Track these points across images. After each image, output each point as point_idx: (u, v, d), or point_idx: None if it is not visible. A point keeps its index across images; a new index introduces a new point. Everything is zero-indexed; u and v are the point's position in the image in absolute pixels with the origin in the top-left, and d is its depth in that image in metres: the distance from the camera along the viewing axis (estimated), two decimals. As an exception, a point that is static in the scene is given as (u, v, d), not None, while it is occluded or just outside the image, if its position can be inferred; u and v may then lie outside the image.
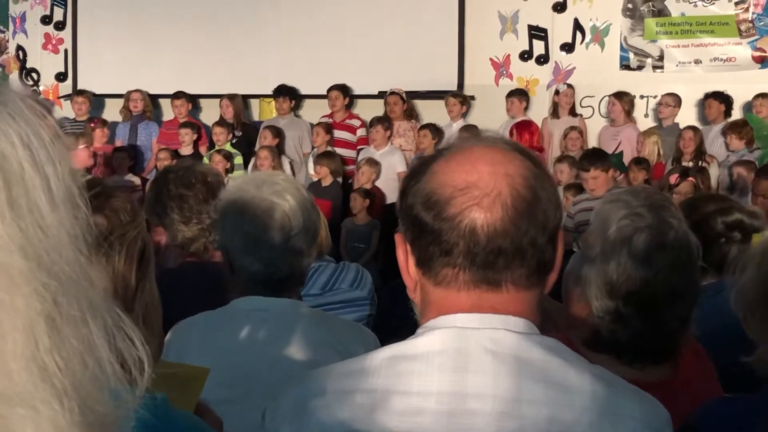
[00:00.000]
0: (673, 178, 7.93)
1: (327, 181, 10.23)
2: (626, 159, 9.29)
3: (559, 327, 2.57)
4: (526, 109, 10.88)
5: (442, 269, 1.47)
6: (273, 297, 2.62)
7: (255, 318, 2.60)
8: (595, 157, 7.95)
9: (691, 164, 9.25)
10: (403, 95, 11.03)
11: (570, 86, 10.79)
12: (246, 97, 11.95)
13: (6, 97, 0.85)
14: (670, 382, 2.20)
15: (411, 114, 11.20)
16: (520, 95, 10.88)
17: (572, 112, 10.73)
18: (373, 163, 10.28)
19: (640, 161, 9.23)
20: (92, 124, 11.17)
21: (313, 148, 10.94)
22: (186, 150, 11.07)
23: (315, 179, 10.36)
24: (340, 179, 10.45)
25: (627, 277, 2.16)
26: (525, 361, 1.44)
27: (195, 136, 11.19)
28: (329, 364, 2.51)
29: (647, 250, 2.16)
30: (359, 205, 9.60)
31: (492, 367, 1.43)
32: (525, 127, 10.38)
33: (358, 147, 10.96)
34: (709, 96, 10.14)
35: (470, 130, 9.53)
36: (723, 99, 10.04)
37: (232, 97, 11.44)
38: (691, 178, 7.90)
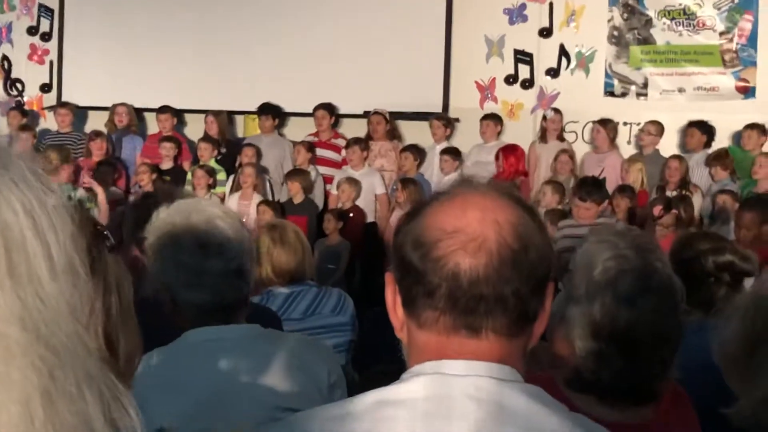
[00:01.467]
0: (657, 210, 7.96)
1: (299, 198, 10.23)
2: (610, 186, 9.30)
3: (543, 364, 2.58)
4: (499, 133, 10.89)
5: (424, 311, 1.48)
6: (223, 324, 2.57)
7: (211, 348, 2.53)
8: (595, 189, 7.96)
9: (675, 193, 9.29)
10: (387, 115, 11.05)
11: (557, 111, 10.84)
12: (231, 113, 11.94)
13: (8, 162, 0.84)
14: (650, 424, 2.21)
15: (393, 134, 11.22)
16: (495, 120, 10.90)
17: (560, 137, 10.77)
18: (354, 182, 10.28)
19: (623, 189, 9.25)
20: (91, 139, 11.18)
21: (294, 167, 10.93)
22: (167, 164, 11.05)
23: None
24: (314, 197, 10.45)
25: (611, 318, 2.17)
26: (508, 409, 1.45)
27: (176, 151, 11.17)
28: (293, 383, 2.51)
29: (632, 292, 2.17)
30: (332, 226, 9.60)
31: (475, 414, 1.43)
32: (511, 151, 10.39)
33: (343, 166, 10.96)
34: (691, 125, 10.21)
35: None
36: (705, 128, 10.11)
37: (217, 114, 11.44)
38: (674, 211, 7.93)
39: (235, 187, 10.58)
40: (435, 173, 10.66)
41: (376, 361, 5.06)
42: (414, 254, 1.47)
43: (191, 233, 2.52)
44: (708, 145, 10.14)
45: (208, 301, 2.54)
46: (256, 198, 10.14)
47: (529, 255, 1.46)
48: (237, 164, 11.00)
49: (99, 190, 9.55)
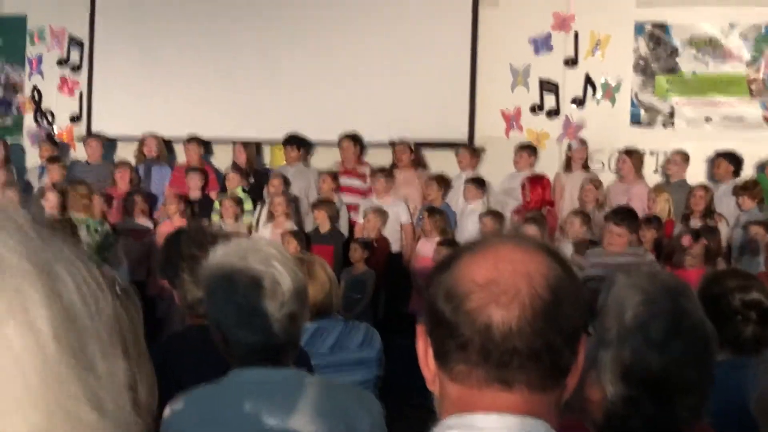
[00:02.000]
0: (686, 240, 7.92)
1: (325, 228, 10.26)
2: (636, 215, 9.27)
3: (573, 408, 2.58)
4: (532, 164, 10.90)
5: (457, 364, 1.47)
6: (272, 367, 2.60)
7: (257, 391, 2.56)
8: (629, 217, 7.96)
9: (699, 223, 9.25)
10: (411, 145, 11.07)
11: (583, 142, 10.83)
12: (258, 143, 12.00)
13: (47, 237, 0.86)
14: (682, 470, 2.19)
15: (418, 163, 11.24)
16: (530, 150, 10.91)
17: (585, 167, 10.75)
18: (380, 212, 10.29)
19: (650, 220, 9.21)
20: (117, 171, 11.27)
21: (319, 196, 10.96)
22: (195, 194, 11.11)
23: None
24: (338, 225, 10.47)
25: (642, 363, 2.16)
26: None
27: (203, 181, 11.23)
28: None
29: (663, 336, 2.17)
30: (358, 255, 9.62)
31: None
32: (537, 181, 10.38)
33: (369, 196, 10.97)
34: (719, 155, 10.18)
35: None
36: (733, 158, 10.08)
37: (245, 144, 11.50)
38: (704, 241, 7.90)
39: (268, 217, 10.61)
40: (461, 202, 10.67)
41: (403, 396, 5.07)
42: (446, 307, 1.47)
43: (247, 274, 2.56)
44: (736, 174, 10.10)
45: (259, 342, 2.57)
46: (289, 227, 10.17)
47: (562, 307, 1.46)
48: (264, 194, 11.04)
49: None
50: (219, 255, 2.65)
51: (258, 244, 2.73)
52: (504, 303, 1.44)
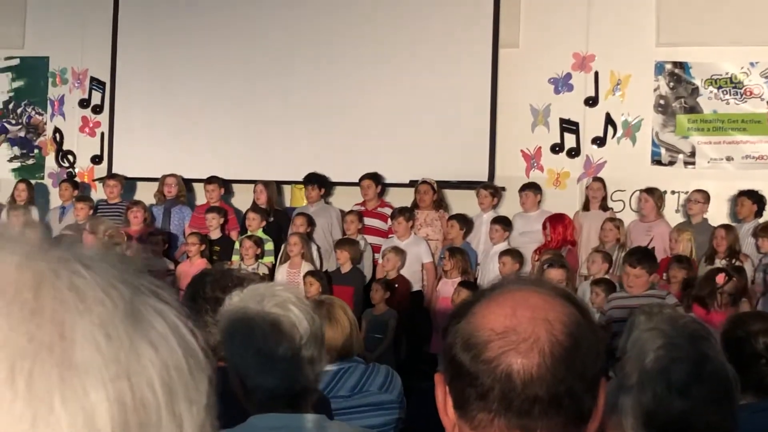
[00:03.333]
0: (720, 278, 7.87)
1: (347, 268, 10.24)
2: (658, 255, 9.21)
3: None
4: (539, 202, 10.88)
5: (477, 413, 1.46)
6: (291, 412, 2.59)
7: None
8: (645, 257, 7.93)
9: (724, 262, 9.18)
10: (434, 185, 11.07)
11: (598, 180, 10.80)
12: (278, 183, 12.04)
13: (146, 314, 0.75)
14: None
15: (440, 204, 11.22)
16: (535, 189, 10.89)
17: (603, 207, 10.71)
18: (399, 251, 10.27)
19: (680, 259, 9.14)
20: (128, 209, 11.28)
21: (344, 234, 10.96)
22: (215, 234, 11.14)
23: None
24: (361, 266, 10.46)
25: (664, 408, 2.14)
26: None
27: (222, 221, 11.25)
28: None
29: (684, 381, 2.15)
30: (379, 296, 9.59)
31: None
32: (558, 220, 10.35)
33: (390, 235, 10.97)
34: (742, 194, 10.12)
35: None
36: (756, 198, 10.02)
37: (266, 183, 11.53)
38: (734, 281, 7.85)
39: (284, 257, 10.62)
40: (482, 242, 10.64)
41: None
42: (465, 356, 1.46)
43: (265, 318, 2.56)
44: (759, 214, 10.04)
45: (278, 386, 2.56)
46: (305, 267, 10.16)
47: (582, 352, 1.45)
48: (285, 234, 11.05)
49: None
50: (236, 300, 2.66)
51: (274, 288, 2.72)
52: (524, 351, 1.43)
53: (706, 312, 7.52)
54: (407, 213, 10.76)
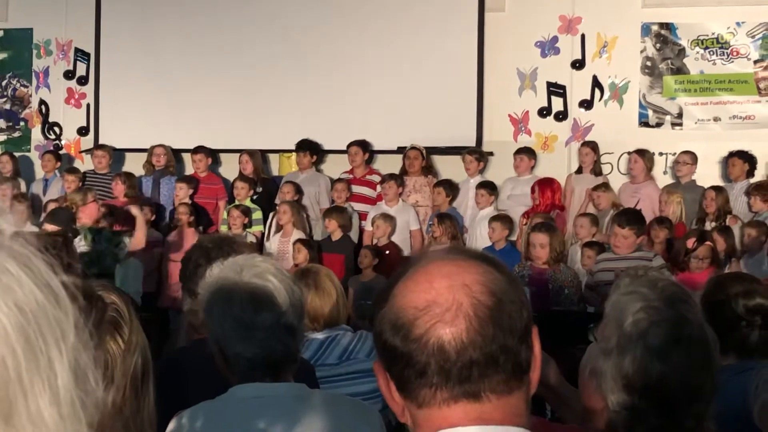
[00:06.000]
0: (690, 243, 7.88)
1: (337, 236, 10.25)
2: (646, 215, 9.23)
3: (576, 413, 2.56)
4: (533, 167, 10.88)
5: (420, 391, 1.46)
6: (271, 381, 2.62)
7: (256, 405, 2.58)
8: (634, 218, 7.95)
9: (713, 224, 9.21)
10: (423, 151, 11.06)
11: (587, 144, 10.80)
12: (266, 152, 12.02)
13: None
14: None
15: (429, 170, 11.22)
16: (529, 154, 10.90)
17: (595, 171, 10.71)
18: (388, 218, 10.28)
19: (662, 220, 9.18)
20: (114, 181, 11.25)
21: (333, 202, 10.95)
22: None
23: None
24: (350, 233, 10.46)
25: (643, 371, 2.14)
26: None
27: (191, 191, 11.21)
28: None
29: (663, 344, 2.15)
30: (367, 262, 9.60)
31: None
32: (547, 184, 10.37)
33: (378, 202, 10.97)
34: (732, 154, 10.14)
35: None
36: (747, 158, 10.03)
37: (251, 153, 11.50)
38: (708, 242, 7.86)
39: (276, 227, 10.62)
40: (469, 207, 10.66)
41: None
42: (395, 339, 1.46)
43: (243, 288, 2.59)
44: (751, 174, 10.05)
45: (258, 355, 2.59)
46: (296, 235, 10.16)
47: (506, 307, 1.45)
48: (276, 202, 11.04)
49: (138, 216, 9.46)
50: (215, 272, 2.69)
51: (254, 260, 2.74)
52: (449, 320, 1.43)
53: (684, 276, 7.53)
54: (398, 179, 10.76)
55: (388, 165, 11.33)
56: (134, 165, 12.11)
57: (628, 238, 7.73)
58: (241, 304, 2.58)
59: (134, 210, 9.38)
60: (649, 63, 11.02)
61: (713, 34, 10.76)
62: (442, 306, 1.44)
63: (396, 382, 1.50)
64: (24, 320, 0.81)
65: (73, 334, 0.84)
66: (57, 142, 13.06)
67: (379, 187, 11.00)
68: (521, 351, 1.47)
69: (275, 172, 12.15)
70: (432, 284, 1.47)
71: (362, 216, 10.83)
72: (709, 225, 9.29)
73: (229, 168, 12.06)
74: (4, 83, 13.34)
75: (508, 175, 10.93)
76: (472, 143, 11.24)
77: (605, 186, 10.24)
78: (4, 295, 0.81)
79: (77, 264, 5.66)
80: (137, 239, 9.12)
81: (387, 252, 10.00)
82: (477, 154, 10.97)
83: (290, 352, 2.66)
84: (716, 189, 9.68)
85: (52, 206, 10.05)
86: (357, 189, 11.09)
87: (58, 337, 0.83)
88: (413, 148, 11.06)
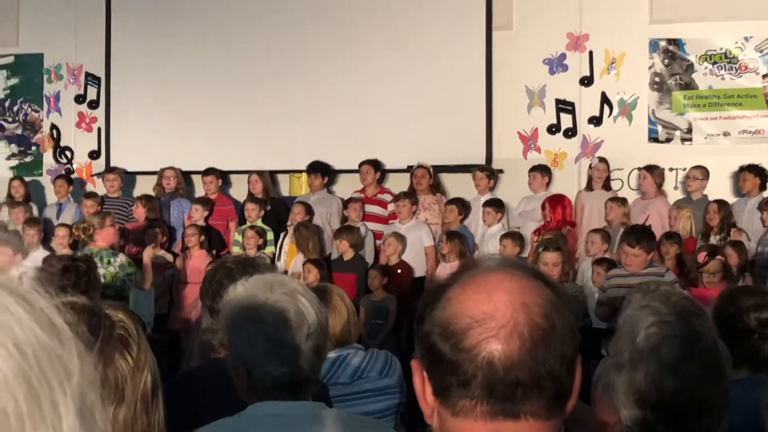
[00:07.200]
0: (701, 257, 7.86)
1: (348, 255, 10.23)
2: (656, 231, 9.20)
3: (588, 429, 2.56)
4: (548, 184, 10.88)
5: (459, 400, 1.45)
6: (291, 400, 2.60)
7: (276, 423, 2.56)
8: (643, 236, 7.93)
9: (717, 238, 9.19)
10: (431, 169, 11.07)
11: (602, 160, 10.80)
12: (277, 173, 12.04)
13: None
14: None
15: (437, 188, 11.22)
16: (543, 171, 10.89)
17: (606, 186, 10.71)
18: (399, 237, 10.28)
19: (671, 235, 9.17)
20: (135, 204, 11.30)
21: (345, 221, 10.94)
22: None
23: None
24: (362, 252, 10.45)
25: (655, 386, 2.14)
26: None
27: (206, 213, 11.23)
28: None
29: (675, 359, 2.15)
30: (377, 282, 9.60)
31: None
32: (557, 201, 10.35)
33: (390, 221, 10.97)
34: (744, 168, 10.10)
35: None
36: (758, 172, 9.99)
37: (260, 173, 11.52)
38: (719, 257, 7.83)
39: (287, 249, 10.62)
40: (480, 225, 10.65)
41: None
42: (444, 344, 1.45)
43: (274, 306, 2.57)
44: (763, 188, 10.02)
45: (285, 374, 2.57)
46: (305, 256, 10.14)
47: (559, 333, 1.45)
48: (284, 223, 11.05)
49: (147, 263, 9.57)
50: (240, 290, 2.66)
51: (282, 278, 2.74)
52: (504, 336, 1.42)
53: (696, 291, 7.51)
54: (412, 197, 10.76)
55: (398, 184, 11.34)
56: (145, 187, 12.15)
57: (639, 257, 7.72)
58: (273, 322, 2.57)
59: (146, 258, 9.43)
60: (657, 79, 11.04)
61: (721, 49, 10.77)
62: (498, 321, 1.44)
63: (434, 386, 1.49)
64: (25, 363, 0.77)
65: (78, 373, 0.81)
66: (68, 166, 13.11)
67: (390, 206, 11.00)
68: (566, 378, 1.47)
69: (285, 193, 12.17)
70: (491, 296, 1.46)
71: (377, 235, 10.81)
72: (713, 238, 9.28)
73: (239, 189, 12.09)
74: (15, 108, 13.41)
75: (518, 193, 10.93)
76: (482, 161, 11.25)
77: (622, 201, 10.18)
78: (3, 337, 0.78)
79: (97, 291, 5.66)
80: (144, 281, 9.22)
81: (399, 271, 10.00)
82: (487, 172, 10.98)
83: (314, 373, 2.65)
84: (719, 202, 9.66)
85: (63, 230, 10.11)
86: (369, 208, 11.08)
87: (62, 378, 0.80)
88: (420, 166, 11.07)
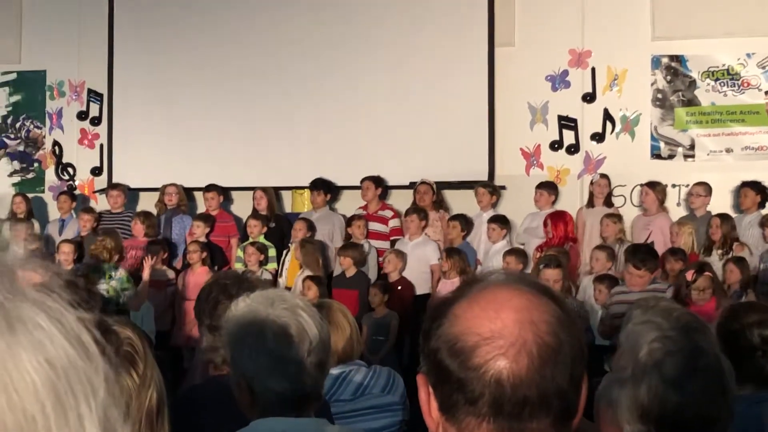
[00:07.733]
0: (690, 275, 7.80)
1: (351, 272, 10.22)
2: (658, 248, 9.20)
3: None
4: (554, 202, 10.86)
5: (466, 417, 1.44)
6: (294, 416, 2.58)
7: None
8: (648, 257, 7.93)
9: (720, 252, 9.18)
10: (433, 186, 11.06)
11: (604, 176, 10.80)
12: (278, 189, 12.03)
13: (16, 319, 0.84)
14: None
15: (440, 204, 11.21)
16: (550, 188, 10.88)
17: (607, 203, 10.70)
18: (400, 254, 10.26)
19: (675, 251, 9.15)
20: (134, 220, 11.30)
21: (348, 238, 10.93)
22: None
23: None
24: (364, 268, 10.43)
25: (658, 401, 2.13)
26: None
27: (207, 229, 11.22)
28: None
29: (679, 375, 2.13)
30: (377, 299, 9.59)
31: None
32: (559, 217, 10.35)
33: (391, 238, 10.96)
34: (744, 185, 10.09)
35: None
36: (759, 188, 9.98)
37: (265, 189, 11.52)
38: (707, 273, 7.79)
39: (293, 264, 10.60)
40: (482, 241, 10.63)
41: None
42: (451, 362, 1.44)
43: (276, 321, 2.56)
44: (762, 205, 10.01)
45: (288, 390, 2.56)
46: (307, 272, 10.12)
47: (567, 350, 1.44)
48: (286, 240, 11.04)
49: (145, 272, 9.55)
50: (242, 305, 2.65)
51: (283, 294, 2.73)
52: (512, 355, 1.41)
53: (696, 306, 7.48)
54: (421, 213, 10.74)
55: (401, 200, 11.33)
56: (148, 204, 12.15)
57: (643, 277, 7.73)
58: (275, 338, 2.56)
59: (146, 274, 9.42)
60: (660, 95, 11.04)
61: (723, 65, 10.77)
62: (506, 339, 1.43)
63: (440, 402, 1.48)
64: (54, 376, 0.81)
65: (104, 390, 0.84)
66: (71, 182, 13.12)
67: (391, 223, 10.99)
68: (573, 396, 1.46)
69: (288, 209, 12.16)
70: (499, 314, 1.45)
71: (380, 252, 10.78)
72: (716, 253, 9.27)
73: (241, 206, 12.08)
74: (17, 125, 13.43)
75: (520, 209, 10.92)
76: (485, 177, 11.25)
77: (617, 217, 10.20)
78: (36, 351, 0.81)
79: (96, 303, 5.66)
80: (137, 297, 9.25)
81: (399, 288, 9.98)
82: (490, 188, 10.97)
83: (317, 389, 2.64)
84: (721, 216, 9.65)
85: (68, 246, 10.12)
86: (371, 225, 11.06)
87: (88, 393, 0.83)
88: (423, 182, 11.07)
